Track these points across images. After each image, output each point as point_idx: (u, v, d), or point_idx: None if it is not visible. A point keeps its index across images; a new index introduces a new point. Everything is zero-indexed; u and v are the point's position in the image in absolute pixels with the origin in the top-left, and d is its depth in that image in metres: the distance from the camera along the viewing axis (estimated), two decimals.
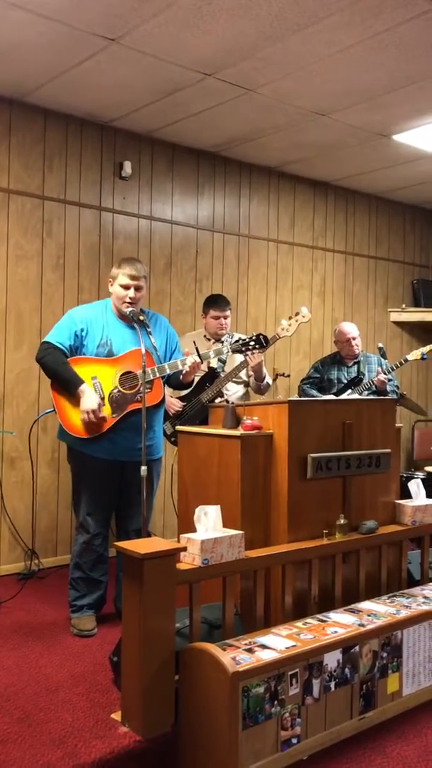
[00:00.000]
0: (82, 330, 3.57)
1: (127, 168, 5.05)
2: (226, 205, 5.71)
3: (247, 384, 4.49)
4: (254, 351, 3.79)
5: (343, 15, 3.42)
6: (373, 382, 4.82)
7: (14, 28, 3.62)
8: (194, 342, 3.85)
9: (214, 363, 4.34)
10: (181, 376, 3.67)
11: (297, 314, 4.23)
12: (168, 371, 3.50)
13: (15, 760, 2.39)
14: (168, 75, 4.11)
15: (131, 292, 3.55)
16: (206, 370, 4.33)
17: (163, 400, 3.57)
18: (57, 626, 3.67)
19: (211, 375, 4.32)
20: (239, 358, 4.28)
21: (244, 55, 3.84)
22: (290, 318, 4.23)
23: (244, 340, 3.70)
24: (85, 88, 4.36)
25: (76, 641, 3.48)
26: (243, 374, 4.37)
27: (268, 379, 4.43)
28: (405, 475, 5.59)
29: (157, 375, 3.47)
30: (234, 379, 4.33)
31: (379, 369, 4.92)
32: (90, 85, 4.31)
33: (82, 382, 3.46)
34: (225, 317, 4.44)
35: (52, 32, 3.65)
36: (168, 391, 4.34)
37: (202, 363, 3.61)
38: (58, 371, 3.50)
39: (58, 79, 4.22)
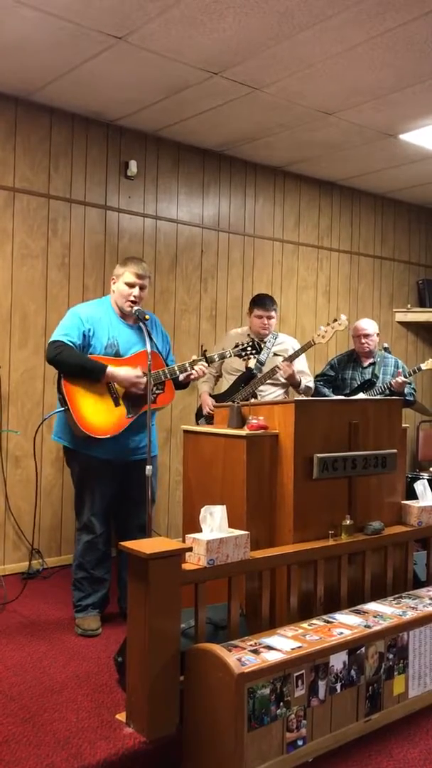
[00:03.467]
0: (89, 330, 3.53)
1: (133, 167, 5.04)
2: (231, 204, 5.70)
3: (286, 385, 4.49)
4: (251, 356, 3.85)
5: (350, 13, 3.41)
6: (391, 384, 4.77)
7: (20, 25, 3.61)
8: (202, 345, 3.89)
9: (253, 364, 4.35)
10: (181, 377, 3.66)
11: (335, 321, 4.26)
12: (178, 373, 3.51)
13: (19, 761, 2.38)
14: (174, 73, 4.10)
15: (135, 291, 3.54)
16: (243, 370, 4.36)
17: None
18: (61, 626, 3.66)
19: (248, 376, 4.35)
20: (279, 360, 4.33)
21: (250, 53, 3.82)
22: (327, 324, 4.26)
23: (242, 345, 3.81)
24: (91, 87, 4.35)
25: (80, 641, 3.47)
26: (280, 376, 4.36)
27: (307, 383, 4.44)
28: (410, 475, 5.57)
29: (169, 376, 3.47)
30: (271, 382, 4.34)
31: (399, 371, 4.88)
32: (96, 84, 4.30)
33: (106, 365, 3.43)
34: (269, 317, 4.45)
35: (59, 30, 3.64)
36: (206, 387, 4.50)
37: (209, 366, 3.66)
38: (79, 363, 3.42)
39: (64, 77, 4.21)
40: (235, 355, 3.79)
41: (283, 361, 4.29)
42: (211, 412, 4.28)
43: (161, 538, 3.01)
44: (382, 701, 2.84)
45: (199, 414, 4.58)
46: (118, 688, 2.93)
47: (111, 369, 3.43)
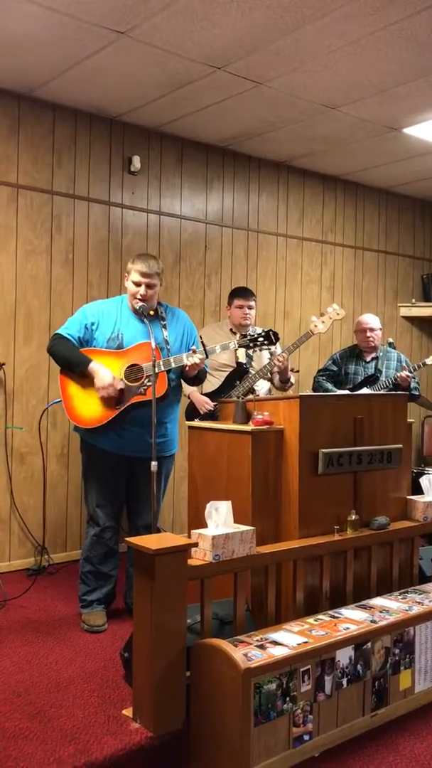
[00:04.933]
0: (92, 323, 3.59)
1: (136, 163, 5.03)
2: (235, 199, 5.69)
3: (270, 380, 4.47)
4: (262, 347, 3.77)
5: (353, 7, 3.39)
6: (396, 378, 4.77)
7: (23, 21, 3.60)
8: (200, 336, 3.82)
9: (243, 358, 4.32)
10: (185, 371, 3.64)
11: (329, 310, 4.25)
12: (173, 365, 3.49)
13: (27, 756, 2.39)
14: (177, 68, 4.09)
15: (141, 289, 3.55)
16: (234, 366, 4.32)
17: (166, 394, 3.54)
18: (67, 622, 3.67)
19: (240, 371, 4.31)
20: (264, 353, 4.30)
21: (254, 47, 3.81)
22: (322, 314, 4.24)
23: (252, 336, 3.69)
24: (93, 82, 4.34)
25: (86, 637, 3.48)
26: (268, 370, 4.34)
27: (292, 379, 4.43)
28: (416, 470, 5.56)
29: (162, 369, 3.46)
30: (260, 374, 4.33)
31: (405, 366, 4.87)
32: (99, 79, 4.29)
33: (90, 360, 3.48)
34: (249, 307, 4.43)
35: (61, 26, 3.63)
36: (194, 388, 4.37)
37: (207, 358, 3.59)
38: (66, 355, 3.54)
39: (66, 73, 4.20)
40: (241, 346, 3.71)
41: (281, 352, 4.25)
42: (211, 409, 4.23)
43: (167, 534, 3.01)
44: (389, 696, 2.84)
45: (190, 414, 4.43)
46: (124, 683, 2.94)
47: (93, 366, 3.46)
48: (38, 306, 4.67)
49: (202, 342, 3.63)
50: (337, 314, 4.24)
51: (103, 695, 2.85)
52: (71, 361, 3.53)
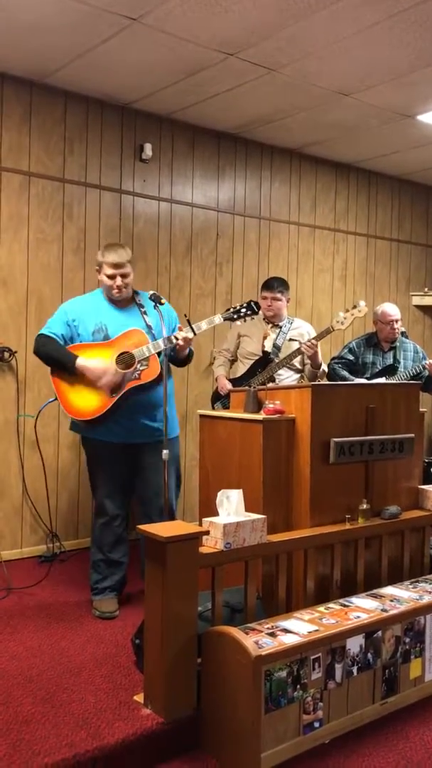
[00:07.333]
0: (73, 320, 3.61)
1: (148, 150, 5.02)
2: (247, 187, 5.66)
3: (300, 371, 4.48)
4: (245, 317, 3.71)
5: None
6: (426, 366, 4.76)
7: (34, 8, 3.59)
8: (185, 315, 3.82)
9: (269, 348, 4.35)
10: (176, 350, 3.64)
11: (354, 307, 4.25)
12: (162, 346, 3.49)
13: (39, 740, 2.41)
14: (189, 55, 4.06)
15: (118, 281, 3.57)
16: (260, 354, 4.34)
17: (160, 376, 3.52)
18: (79, 608, 3.70)
19: (264, 360, 4.34)
20: (294, 345, 4.32)
21: (266, 34, 3.78)
22: (347, 311, 4.25)
23: (235, 307, 3.68)
24: (105, 69, 4.32)
25: (98, 623, 3.51)
26: (297, 362, 4.38)
27: (324, 366, 4.45)
28: (427, 460, 5.55)
29: (152, 351, 3.47)
30: (288, 366, 4.34)
31: None
32: (110, 66, 4.27)
33: (76, 357, 3.49)
34: (273, 298, 4.45)
35: (73, 12, 3.61)
36: (222, 371, 4.52)
37: (195, 335, 3.56)
38: (53, 356, 3.54)
39: (78, 60, 4.18)
40: (225, 319, 3.66)
41: (308, 340, 4.27)
42: (226, 392, 4.30)
43: (178, 522, 3.02)
44: (399, 684, 2.85)
45: (215, 398, 4.60)
46: (135, 669, 2.96)
47: (80, 362, 3.47)
48: (50, 294, 4.67)
49: (188, 319, 3.64)
50: (360, 312, 4.23)
51: (115, 681, 2.87)
52: (59, 360, 3.53)
